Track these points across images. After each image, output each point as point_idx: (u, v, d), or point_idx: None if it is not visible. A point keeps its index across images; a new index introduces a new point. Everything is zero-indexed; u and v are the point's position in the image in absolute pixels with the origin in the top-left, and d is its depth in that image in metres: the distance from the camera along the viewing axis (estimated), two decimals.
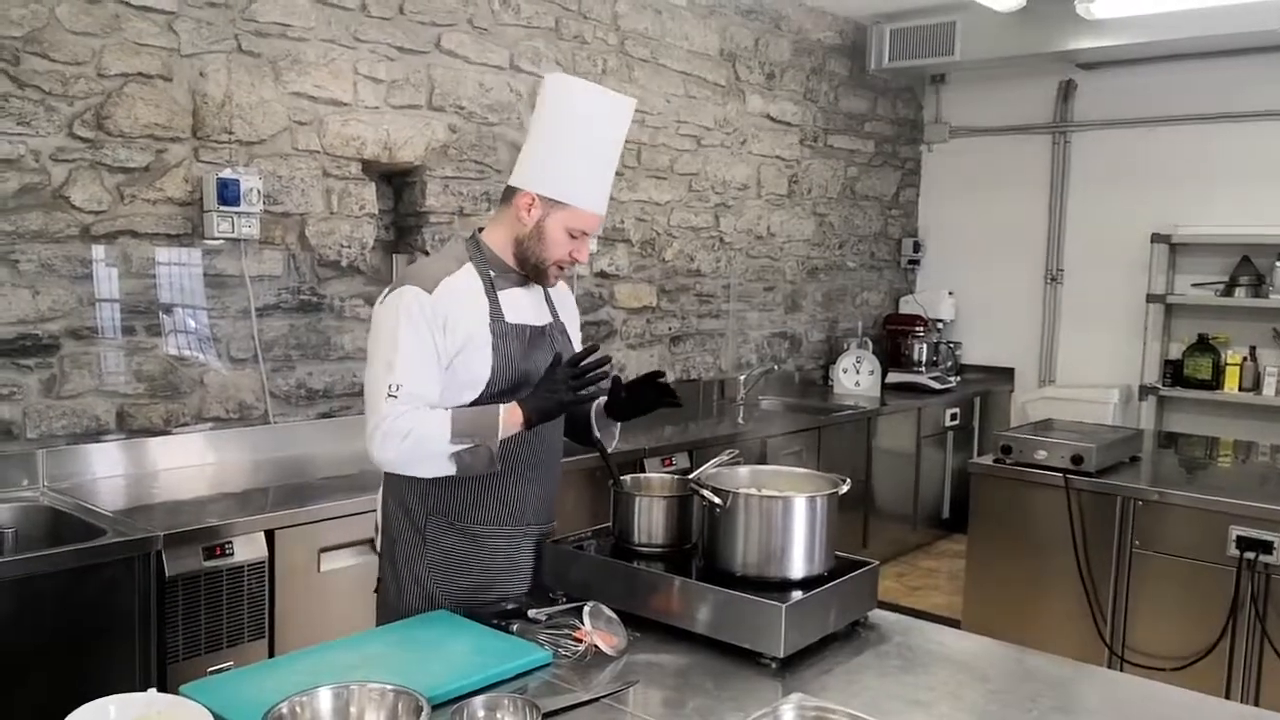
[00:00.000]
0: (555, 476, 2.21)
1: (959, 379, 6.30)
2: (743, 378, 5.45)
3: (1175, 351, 5.71)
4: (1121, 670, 3.13)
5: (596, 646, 1.80)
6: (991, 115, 6.40)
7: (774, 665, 1.77)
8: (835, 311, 6.24)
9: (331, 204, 3.62)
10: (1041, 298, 6.31)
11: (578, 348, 2.19)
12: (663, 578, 1.93)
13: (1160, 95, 5.71)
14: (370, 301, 3.71)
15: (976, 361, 6.56)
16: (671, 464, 3.96)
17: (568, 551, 2.10)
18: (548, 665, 1.75)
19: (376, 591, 2.21)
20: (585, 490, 3.47)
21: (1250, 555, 3.21)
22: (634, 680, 1.71)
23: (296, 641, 2.63)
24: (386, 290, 2.04)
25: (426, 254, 3.81)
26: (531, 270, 2.08)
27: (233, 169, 3.29)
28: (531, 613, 1.93)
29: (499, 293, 2.06)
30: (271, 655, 2.74)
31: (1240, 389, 5.40)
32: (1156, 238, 5.64)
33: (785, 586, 1.87)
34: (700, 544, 2.02)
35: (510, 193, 2.08)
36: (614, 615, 1.86)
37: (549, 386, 1.93)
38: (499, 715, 1.51)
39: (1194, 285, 5.62)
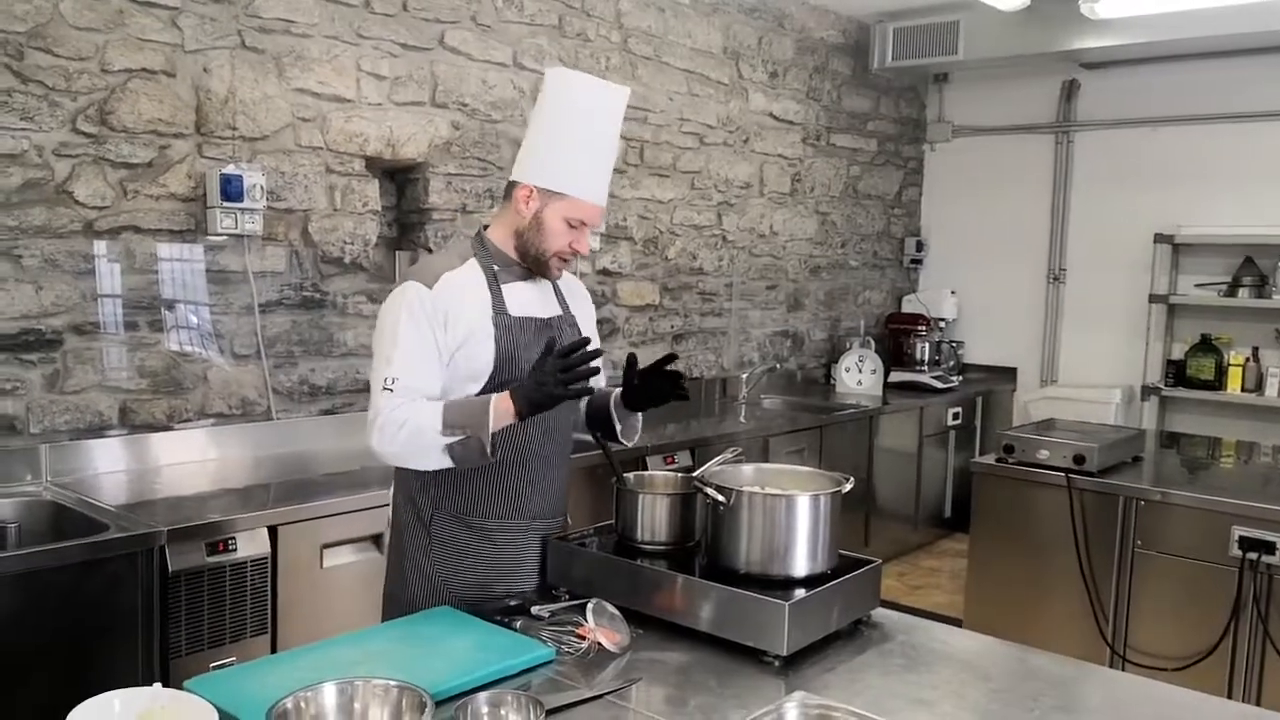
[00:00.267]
0: (562, 472, 2.20)
1: (961, 378, 6.29)
2: (745, 376, 5.45)
3: (1178, 352, 5.70)
4: (1123, 670, 3.12)
5: (600, 643, 1.80)
6: (994, 114, 6.40)
7: (777, 663, 1.77)
8: (837, 310, 6.24)
9: (335, 200, 3.62)
10: (1044, 297, 6.31)
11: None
12: (666, 575, 1.93)
13: (1163, 95, 5.71)
14: (373, 298, 3.72)
15: (979, 361, 6.56)
16: (673, 462, 3.97)
17: (571, 548, 2.10)
18: (551, 662, 1.75)
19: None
20: (587, 487, 3.47)
21: (1253, 556, 3.21)
22: (637, 677, 1.71)
23: (299, 637, 2.63)
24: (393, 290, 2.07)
25: (430, 251, 3.82)
26: (533, 263, 2.08)
27: (236, 165, 3.29)
28: (535, 609, 1.93)
29: (502, 286, 2.06)
30: (274, 651, 2.75)
31: (1243, 390, 5.39)
32: (1159, 238, 5.63)
33: (788, 585, 1.86)
34: (703, 542, 2.02)
35: (511, 187, 2.10)
36: (617, 612, 1.87)
37: (538, 378, 1.88)
38: (502, 712, 1.51)
39: (1197, 285, 5.62)
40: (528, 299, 2.10)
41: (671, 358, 2.13)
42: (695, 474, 2.02)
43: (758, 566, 1.89)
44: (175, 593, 2.57)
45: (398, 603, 2.11)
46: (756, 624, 1.79)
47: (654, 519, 2.07)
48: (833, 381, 5.98)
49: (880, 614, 2.04)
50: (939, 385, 5.98)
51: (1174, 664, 3.37)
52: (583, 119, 2.04)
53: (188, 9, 3.18)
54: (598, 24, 4.50)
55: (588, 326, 2.23)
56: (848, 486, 1.97)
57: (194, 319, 3.32)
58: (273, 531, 2.77)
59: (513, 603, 1.98)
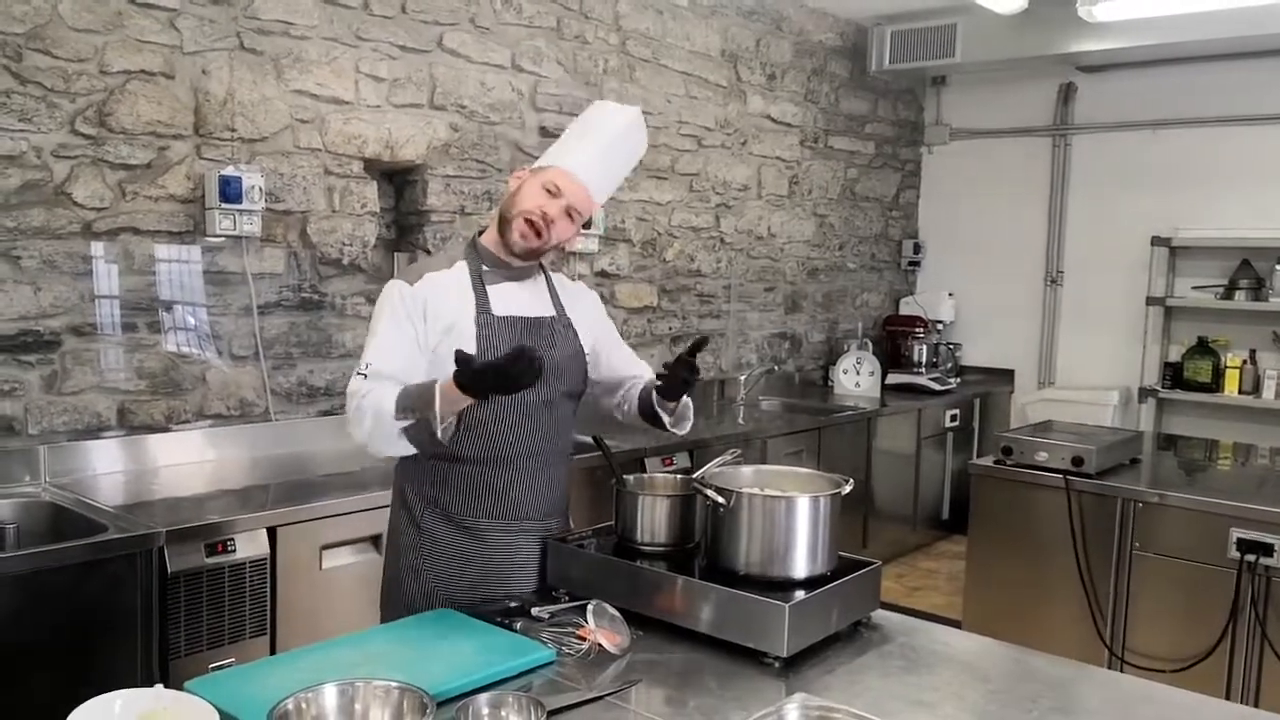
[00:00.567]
0: (559, 472, 2.19)
1: (959, 380, 6.30)
2: (743, 378, 5.45)
3: (1175, 354, 5.71)
4: (1121, 672, 3.13)
5: (600, 645, 1.80)
6: (992, 117, 6.41)
7: (777, 665, 1.77)
8: (835, 312, 6.24)
9: (333, 202, 3.62)
10: (1041, 300, 6.32)
11: (588, 343, 2.19)
12: (666, 576, 1.94)
13: (1160, 98, 5.72)
14: (371, 299, 3.71)
15: (976, 363, 6.56)
16: (672, 463, 3.97)
17: (571, 550, 2.10)
18: (551, 663, 1.75)
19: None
20: (586, 489, 3.46)
21: (1251, 557, 3.21)
22: (637, 679, 1.71)
23: (298, 638, 2.63)
24: None
25: (428, 253, 3.82)
26: (505, 233, 2.07)
27: (235, 166, 3.28)
28: (535, 611, 1.93)
29: (488, 287, 2.07)
30: (273, 652, 2.74)
31: (1240, 392, 5.41)
32: (1156, 240, 5.64)
33: (788, 586, 1.87)
34: (703, 543, 2.02)
35: None
36: (617, 614, 1.87)
37: (493, 367, 1.80)
38: (503, 713, 1.51)
39: (1194, 288, 5.63)
40: (515, 299, 2.10)
41: (704, 342, 2.12)
42: (695, 475, 2.03)
43: (757, 568, 1.90)
44: (174, 594, 2.57)
45: (393, 603, 2.12)
46: (757, 625, 1.79)
47: (654, 520, 2.08)
48: (831, 383, 5.98)
49: (880, 615, 2.04)
50: (937, 387, 5.99)
51: (1172, 665, 3.37)
52: (610, 124, 2.12)
53: (186, 11, 3.18)
54: (596, 26, 4.51)
55: (589, 327, 2.21)
56: (847, 488, 1.97)
57: (192, 320, 3.32)
58: (272, 533, 2.77)
59: (513, 604, 1.98)
